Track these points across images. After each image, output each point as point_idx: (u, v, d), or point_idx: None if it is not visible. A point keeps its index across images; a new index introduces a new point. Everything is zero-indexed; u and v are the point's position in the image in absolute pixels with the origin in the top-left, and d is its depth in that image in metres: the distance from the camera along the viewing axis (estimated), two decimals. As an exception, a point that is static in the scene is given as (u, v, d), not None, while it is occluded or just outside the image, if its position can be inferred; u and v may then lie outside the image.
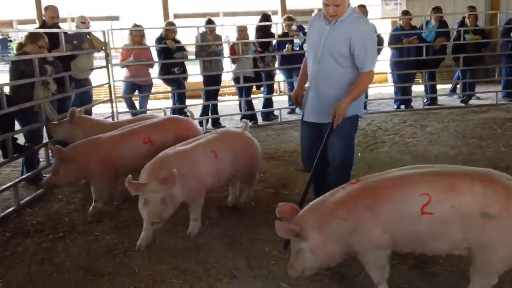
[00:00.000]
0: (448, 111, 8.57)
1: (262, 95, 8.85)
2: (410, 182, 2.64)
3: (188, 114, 5.14)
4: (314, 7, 14.07)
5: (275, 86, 8.89)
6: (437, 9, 9.01)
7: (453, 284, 3.03)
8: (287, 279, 3.16)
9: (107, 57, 7.29)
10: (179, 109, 8.08)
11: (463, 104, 9.11)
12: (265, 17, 8.56)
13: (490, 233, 2.47)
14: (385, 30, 9.96)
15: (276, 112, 8.55)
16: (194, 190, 3.75)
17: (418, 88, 10.01)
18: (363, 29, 3.49)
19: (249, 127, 4.55)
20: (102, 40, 7.20)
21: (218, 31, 8.34)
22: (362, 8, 8.89)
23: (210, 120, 8.17)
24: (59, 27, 6.51)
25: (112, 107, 7.34)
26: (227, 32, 11.23)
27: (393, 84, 9.60)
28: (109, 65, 7.32)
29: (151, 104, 9.02)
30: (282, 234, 2.78)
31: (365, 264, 2.82)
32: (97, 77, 7.90)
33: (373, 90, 9.89)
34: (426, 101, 9.21)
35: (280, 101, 8.96)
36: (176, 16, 13.09)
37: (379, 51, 8.91)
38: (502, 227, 2.45)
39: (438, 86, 9.74)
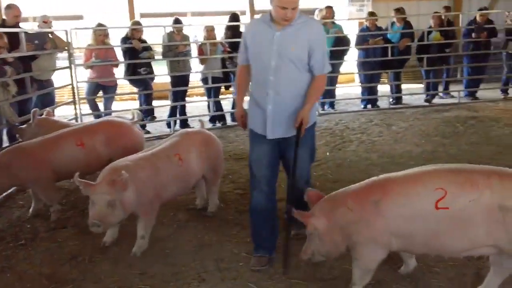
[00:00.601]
0: (412, 110, 8.74)
1: (231, 95, 8.83)
2: (422, 178, 2.63)
3: (132, 115, 4.95)
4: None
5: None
6: (399, 11, 9.18)
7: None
8: (255, 280, 3.17)
9: (70, 57, 7.13)
10: (146, 110, 7.97)
11: (427, 103, 9.30)
12: (234, 17, 8.52)
13: (508, 227, 2.45)
14: (351, 31, 10.07)
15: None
16: (148, 200, 3.59)
17: (384, 88, 10.17)
18: (319, 31, 3.31)
19: (204, 126, 4.52)
20: (65, 40, 7.04)
21: (186, 31, 8.27)
22: (330, 9, 9.00)
23: (178, 121, 8.08)
24: (19, 27, 6.32)
25: (75, 109, 7.18)
26: (195, 32, 11.13)
27: (360, 84, 9.72)
28: (72, 66, 7.15)
29: (117, 105, 8.87)
30: (298, 218, 2.92)
31: (355, 259, 2.84)
32: (60, 78, 7.72)
33: (341, 90, 9.99)
34: (392, 101, 9.37)
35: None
36: (142, 15, 12.89)
37: (346, 52, 9.05)
38: None
39: (403, 86, 9.92)
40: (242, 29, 8.34)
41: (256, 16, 8.95)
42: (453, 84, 10.32)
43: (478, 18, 9.27)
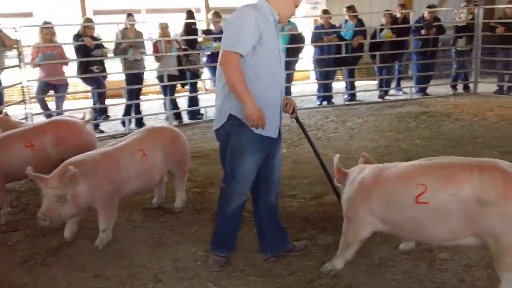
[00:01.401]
0: (366, 106, 8.93)
1: (187, 93, 8.75)
2: (409, 172, 2.80)
3: (83, 115, 4.82)
4: (237, 5, 14.13)
5: (201, 84, 8.82)
6: (351, 8, 9.34)
7: (374, 273, 3.15)
8: (214, 279, 3.15)
9: (19, 55, 6.88)
10: (100, 109, 7.79)
11: (380, 100, 9.52)
12: (190, 14, 8.45)
13: (489, 219, 2.53)
14: (306, 28, 10.17)
15: (202, 111, 8.48)
16: (106, 195, 3.58)
17: (339, 85, 10.34)
18: None
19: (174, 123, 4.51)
20: (14, 37, 6.78)
21: (140, 28, 8.13)
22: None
23: (133, 120, 7.94)
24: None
25: (25, 108, 6.93)
26: (149, 29, 10.96)
27: (315, 81, 9.84)
28: (22, 64, 6.89)
29: (70, 104, 8.63)
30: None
31: (342, 233, 3.09)
32: (9, 77, 7.43)
33: (297, 87, 10.08)
34: (347, 97, 9.53)
35: (206, 99, 8.89)
36: (95, 12, 12.57)
37: (301, 49, 9.14)
38: (497, 214, 2.50)
39: (357, 83, 10.12)
40: (198, 26, 8.29)
41: (206, 14, 8.89)
42: (405, 81, 10.60)
43: (426, 15, 9.55)
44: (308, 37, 9.24)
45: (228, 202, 3.19)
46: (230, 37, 2.93)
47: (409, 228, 2.82)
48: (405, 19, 9.85)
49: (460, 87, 10.07)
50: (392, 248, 3.41)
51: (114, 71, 8.15)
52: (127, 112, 7.89)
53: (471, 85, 9.89)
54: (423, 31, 9.37)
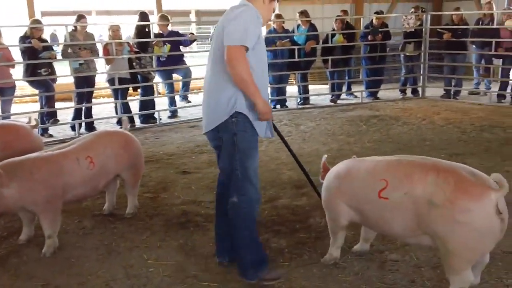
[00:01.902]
0: (319, 110, 9.06)
1: (137, 97, 8.62)
2: (375, 167, 2.92)
3: (28, 119, 4.65)
4: (191, 8, 14.05)
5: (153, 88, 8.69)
6: (303, 13, 9.47)
7: (327, 275, 3.18)
8: (166, 286, 3.10)
9: (-37, 57, 6.56)
10: (49, 112, 7.53)
11: (332, 103, 9.68)
12: (143, 16, 8.31)
13: (434, 221, 2.60)
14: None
15: (155, 114, 8.35)
16: (44, 199, 3.47)
17: (292, 89, 10.44)
18: None
19: (128, 127, 4.43)
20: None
21: (91, 30, 7.93)
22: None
23: (83, 124, 7.71)
24: None
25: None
26: (100, 31, 10.72)
27: (268, 85, 9.87)
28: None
29: (17, 108, 8.30)
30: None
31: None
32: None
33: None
34: (300, 101, 9.64)
35: (159, 103, 8.77)
36: (43, 13, 12.19)
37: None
38: (443, 217, 2.56)
39: (310, 87, 10.26)
40: (150, 28, 8.15)
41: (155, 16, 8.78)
42: (356, 85, 10.83)
43: (374, 21, 9.81)
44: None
45: (252, 208, 3.01)
46: (234, 32, 2.78)
47: (374, 221, 2.96)
48: (349, 24, 10.04)
49: (409, 91, 10.38)
50: (344, 250, 3.46)
51: (64, 73, 7.88)
52: (77, 116, 7.66)
53: (419, 90, 10.22)
54: (369, 37, 9.60)
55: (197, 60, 10.40)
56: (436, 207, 2.59)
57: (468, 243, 2.56)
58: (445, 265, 2.69)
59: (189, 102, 9.50)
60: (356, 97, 10.18)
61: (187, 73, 8.96)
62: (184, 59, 9.04)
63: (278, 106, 9.39)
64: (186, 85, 9.25)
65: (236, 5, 3.00)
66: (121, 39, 7.81)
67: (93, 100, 8.33)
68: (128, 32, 9.03)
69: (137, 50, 7.93)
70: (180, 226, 3.99)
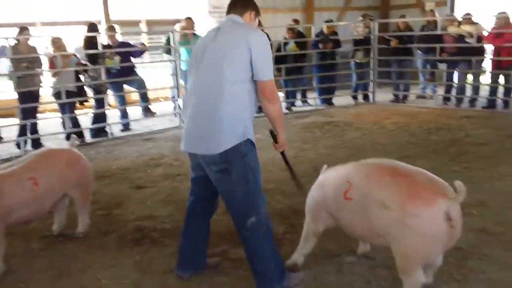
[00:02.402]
0: (274, 118, 9.06)
1: (87, 110, 8.37)
2: (344, 171, 3.03)
3: None
4: (141, 18, 13.85)
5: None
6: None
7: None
8: (122, 306, 2.99)
9: None
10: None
11: (287, 111, 9.74)
12: (92, 27, 8.09)
13: (386, 223, 2.66)
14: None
15: (106, 128, 8.14)
16: None
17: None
18: None
19: (76, 144, 4.26)
20: None
21: (35, 43, 7.65)
22: (190, 20, 9.06)
23: (29, 141, 7.40)
24: None
25: None
26: (45, 43, 10.37)
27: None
28: None
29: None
30: None
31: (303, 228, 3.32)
32: None
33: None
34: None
35: (109, 116, 8.56)
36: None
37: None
38: (394, 220, 2.62)
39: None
40: (100, 39, 7.94)
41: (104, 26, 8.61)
42: (310, 92, 10.96)
43: (324, 30, 9.97)
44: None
45: (269, 229, 2.97)
46: (269, 65, 2.84)
47: (344, 223, 3.01)
48: (300, 33, 10.17)
49: (360, 97, 10.59)
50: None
51: (7, 88, 7.57)
52: (22, 132, 7.34)
53: (370, 95, 10.45)
54: (320, 45, 9.75)
55: (150, 70, 10.28)
56: (387, 209, 2.64)
57: (415, 247, 2.61)
58: (397, 266, 2.75)
59: (154, 113, 9.28)
60: (310, 104, 10.29)
61: (141, 84, 8.80)
62: (135, 69, 8.86)
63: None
64: (144, 97, 9.08)
65: (239, 22, 3.00)
66: (66, 50, 7.56)
67: (39, 115, 8.00)
68: (76, 44, 8.77)
69: (85, 62, 7.71)
70: (135, 242, 3.88)
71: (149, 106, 9.30)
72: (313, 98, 10.18)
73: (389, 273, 3.15)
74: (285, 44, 9.60)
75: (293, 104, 10.14)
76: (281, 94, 10.45)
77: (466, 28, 8.84)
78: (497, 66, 8.60)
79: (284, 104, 9.98)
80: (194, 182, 3.15)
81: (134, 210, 4.61)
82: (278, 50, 9.66)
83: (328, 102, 10.22)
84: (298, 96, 10.42)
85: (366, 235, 2.93)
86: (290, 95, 10.11)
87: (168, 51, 9.00)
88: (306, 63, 10.07)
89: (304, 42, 9.91)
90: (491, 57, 8.76)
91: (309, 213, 3.28)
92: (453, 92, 9.58)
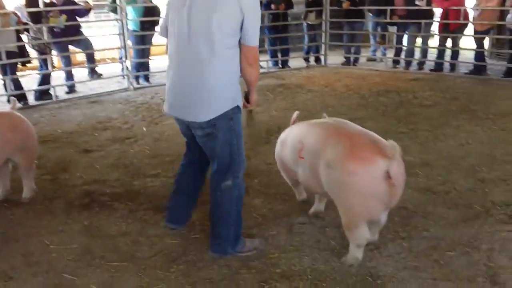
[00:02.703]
0: (226, 81, 8.98)
1: (30, 71, 7.98)
2: (299, 130, 3.20)
3: None
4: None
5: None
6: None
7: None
8: (71, 270, 2.94)
9: None
10: None
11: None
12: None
13: (329, 181, 2.78)
14: (161, 0, 9.83)
15: (50, 90, 7.81)
16: None
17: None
18: None
19: (17, 106, 4.06)
20: None
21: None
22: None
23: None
24: None
25: None
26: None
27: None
28: None
29: None
30: None
31: None
32: None
33: (155, 63, 9.78)
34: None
35: (55, 77, 8.21)
36: None
37: (157, 22, 8.84)
38: (336, 178, 2.72)
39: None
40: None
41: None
42: (262, 54, 10.87)
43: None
44: (164, 10, 8.93)
45: (240, 196, 2.97)
46: (257, 31, 2.73)
47: (301, 179, 3.17)
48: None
49: (312, 60, 10.62)
50: (255, 218, 3.50)
51: None
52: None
53: (322, 58, 10.50)
54: (273, 6, 9.62)
55: (95, 31, 9.87)
56: (331, 168, 2.74)
57: (356, 204, 2.71)
58: (342, 222, 2.85)
59: (101, 75, 8.95)
60: (262, 67, 10.23)
61: (87, 45, 8.44)
62: (81, 29, 8.47)
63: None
64: (90, 58, 8.73)
65: None
66: (4, 8, 7.11)
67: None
68: (16, 2, 8.27)
69: (26, 21, 7.29)
70: (84, 207, 3.80)
71: (96, 68, 8.99)
72: (265, 60, 10.12)
73: (339, 232, 3.24)
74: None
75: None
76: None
77: (416, -10, 8.96)
78: (445, 29, 8.80)
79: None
80: (187, 144, 3.17)
81: (81, 175, 4.49)
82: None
83: (283, 64, 10.17)
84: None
85: (320, 192, 3.05)
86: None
87: (114, 10, 8.64)
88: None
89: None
90: (440, 20, 8.95)
91: (279, 166, 3.56)
92: (403, 55, 9.77)
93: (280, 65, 10.18)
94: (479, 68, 8.61)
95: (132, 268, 2.95)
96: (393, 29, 9.99)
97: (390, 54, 10.17)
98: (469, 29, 9.06)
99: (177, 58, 2.78)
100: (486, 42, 9.44)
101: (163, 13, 8.67)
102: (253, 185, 4.10)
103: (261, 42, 10.55)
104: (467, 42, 9.76)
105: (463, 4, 8.61)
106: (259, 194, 3.92)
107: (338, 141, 2.77)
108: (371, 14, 10.18)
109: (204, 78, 2.68)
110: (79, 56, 9.56)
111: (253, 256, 3.02)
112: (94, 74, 8.88)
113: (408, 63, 9.55)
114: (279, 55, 10.21)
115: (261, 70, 9.89)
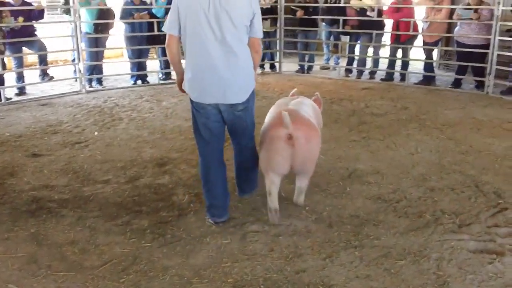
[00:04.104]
0: (182, 85, 8.90)
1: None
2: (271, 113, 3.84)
3: None
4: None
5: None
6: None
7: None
8: (16, 279, 2.84)
9: None
10: None
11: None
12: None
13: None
14: (116, 3, 9.66)
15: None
16: None
17: (153, 64, 10.13)
18: None
19: None
20: None
21: None
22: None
23: None
24: None
25: None
26: None
27: (128, 59, 9.46)
28: None
29: None
30: None
31: None
32: None
33: (109, 66, 9.60)
34: (161, 76, 9.40)
35: (5, 78, 7.87)
36: None
37: (111, 25, 8.68)
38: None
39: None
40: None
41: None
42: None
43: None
44: (118, 13, 8.78)
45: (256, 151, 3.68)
46: (261, 24, 3.36)
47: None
48: None
49: (267, 67, 10.69)
50: (208, 226, 3.48)
51: None
52: None
53: (277, 65, 10.58)
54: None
55: (48, 32, 9.57)
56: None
57: (264, 157, 3.48)
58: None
59: (52, 77, 8.68)
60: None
61: (41, 47, 8.18)
62: (35, 31, 8.19)
63: (139, 82, 9.04)
64: (43, 60, 8.45)
65: None
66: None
67: None
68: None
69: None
70: (31, 214, 3.67)
71: (47, 70, 8.71)
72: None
73: (292, 240, 3.27)
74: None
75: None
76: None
77: (367, 1, 9.19)
78: (396, 40, 9.07)
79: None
80: (208, 137, 3.44)
81: (29, 180, 4.34)
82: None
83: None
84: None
85: (286, 169, 3.50)
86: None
87: (68, 12, 8.41)
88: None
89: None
90: (390, 31, 9.22)
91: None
92: (355, 64, 9.99)
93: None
94: (428, 79, 8.92)
95: (80, 278, 2.87)
96: (346, 39, 10.20)
97: (343, 63, 10.38)
98: (419, 41, 9.39)
99: (207, 55, 3.20)
100: (435, 54, 9.82)
101: (117, 16, 8.67)
102: (207, 192, 4.07)
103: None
104: (417, 53, 10.09)
105: (412, 16, 8.90)
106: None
107: (278, 114, 3.46)
108: (324, 24, 10.36)
109: (240, 67, 3.26)
110: (30, 57, 9.22)
111: (205, 265, 2.99)
112: (45, 76, 8.62)
113: (360, 72, 9.77)
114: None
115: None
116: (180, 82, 3.46)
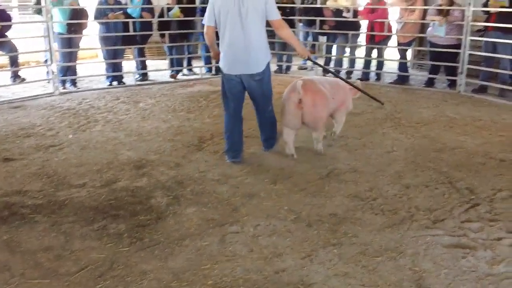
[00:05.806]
0: (159, 86, 8.84)
1: None
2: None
3: None
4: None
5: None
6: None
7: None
8: (-13, 290, 2.74)
9: None
10: None
11: (172, 79, 9.52)
12: None
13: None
14: (90, 3, 9.50)
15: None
16: None
17: (129, 64, 10.01)
18: None
19: None
20: None
21: None
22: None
23: None
24: None
25: None
26: None
27: (103, 60, 9.32)
28: None
29: None
30: None
31: None
32: None
33: (84, 67, 9.44)
34: (138, 77, 9.29)
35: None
36: None
37: (85, 25, 8.54)
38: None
39: (149, 62, 9.92)
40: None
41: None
42: (196, 60, 10.80)
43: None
44: (91, 13, 8.64)
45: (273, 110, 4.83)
46: (276, 8, 4.51)
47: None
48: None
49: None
50: (186, 228, 3.44)
51: None
52: None
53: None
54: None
55: (19, 32, 9.36)
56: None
57: (281, 115, 4.75)
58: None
59: (24, 79, 8.49)
60: (195, 73, 10.15)
61: (11, 48, 7.99)
62: (6, 33, 8.01)
63: (114, 83, 8.92)
64: (13, 62, 8.26)
65: None
66: None
67: None
68: None
69: None
70: (3, 220, 3.57)
71: (19, 71, 8.53)
72: (199, 66, 10.05)
73: (271, 240, 3.26)
74: (169, 9, 9.25)
75: (178, 72, 9.90)
76: (165, 62, 10.19)
77: (342, 2, 9.25)
78: (371, 40, 9.16)
79: (168, 72, 9.73)
80: (232, 99, 4.60)
81: (1, 185, 4.23)
82: (161, 15, 9.31)
83: (217, 70, 10.07)
84: (184, 64, 10.19)
85: (298, 125, 4.78)
86: (175, 63, 9.85)
87: (39, 11, 8.24)
88: (192, 30, 9.80)
89: (190, 8, 9.63)
90: (366, 31, 9.30)
91: None
92: (332, 64, 10.04)
93: (213, 72, 10.14)
94: (402, 78, 9.03)
95: (55, 285, 2.80)
96: (323, 39, 10.26)
97: (320, 63, 10.40)
98: (393, 41, 9.49)
99: (236, 37, 4.36)
100: (409, 54, 9.95)
101: (91, 16, 8.53)
102: (185, 193, 4.03)
103: (195, 48, 10.66)
104: (391, 53, 10.20)
105: (387, 17, 9.00)
106: (191, 203, 3.86)
107: (296, 82, 4.61)
108: (301, 24, 10.40)
109: (259, 45, 4.43)
110: (1, 59, 9.01)
111: (184, 269, 2.96)
112: (17, 78, 8.43)
113: (337, 72, 9.82)
114: (213, 61, 10.15)
115: (195, 77, 9.87)
116: (215, 55, 4.77)
